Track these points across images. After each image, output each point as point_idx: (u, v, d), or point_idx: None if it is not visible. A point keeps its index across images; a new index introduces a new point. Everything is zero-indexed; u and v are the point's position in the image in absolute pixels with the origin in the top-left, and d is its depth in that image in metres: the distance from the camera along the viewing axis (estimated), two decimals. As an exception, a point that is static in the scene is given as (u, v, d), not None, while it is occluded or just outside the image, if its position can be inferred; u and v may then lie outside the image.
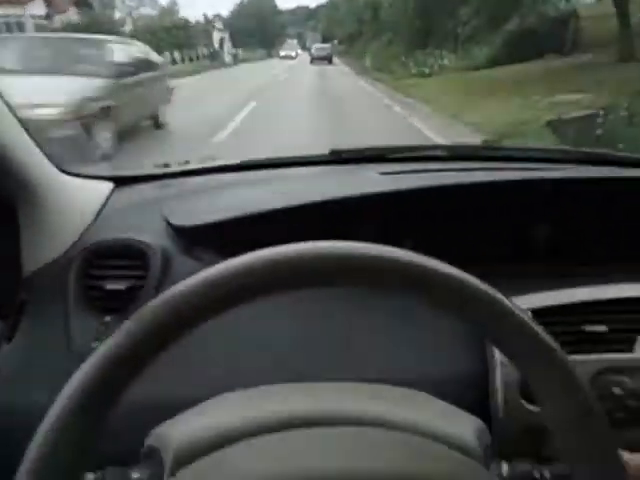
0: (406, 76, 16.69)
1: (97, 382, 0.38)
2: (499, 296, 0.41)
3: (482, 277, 0.42)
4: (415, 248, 0.41)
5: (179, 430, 0.50)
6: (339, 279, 0.39)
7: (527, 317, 0.42)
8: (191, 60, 29.87)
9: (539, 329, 0.41)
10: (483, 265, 0.79)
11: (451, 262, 0.41)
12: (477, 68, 15.07)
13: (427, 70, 17.03)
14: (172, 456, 0.47)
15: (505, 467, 0.54)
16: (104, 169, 1.05)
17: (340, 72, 23.44)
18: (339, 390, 0.58)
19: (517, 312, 0.41)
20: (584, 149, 1.30)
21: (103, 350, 0.39)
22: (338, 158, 1.12)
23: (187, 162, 1.09)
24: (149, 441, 0.51)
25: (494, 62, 14.58)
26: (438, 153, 1.24)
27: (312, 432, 0.45)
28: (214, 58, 31.69)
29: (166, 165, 1.07)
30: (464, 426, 0.54)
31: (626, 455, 0.47)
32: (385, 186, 0.89)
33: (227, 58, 33.78)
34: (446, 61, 17.55)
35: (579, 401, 0.41)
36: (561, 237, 0.93)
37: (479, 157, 1.20)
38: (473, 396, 0.74)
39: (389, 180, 0.96)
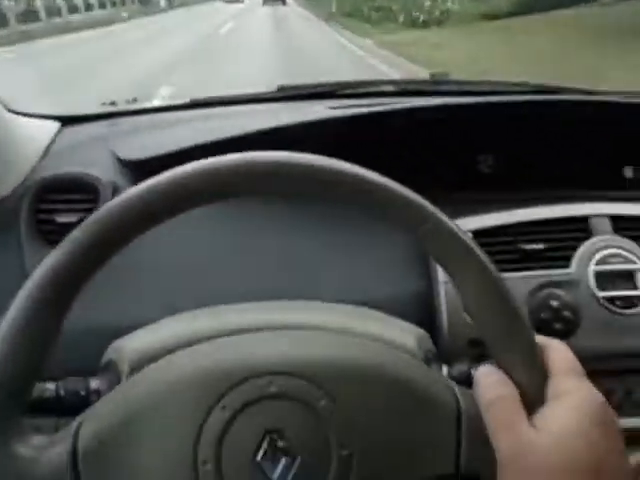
0: (390, 27, 11.83)
1: (46, 289, 0.40)
2: (424, 204, 0.43)
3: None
4: None
5: (134, 343, 0.52)
6: (260, 187, 0.42)
7: (458, 230, 0.44)
8: (114, 4, 24.49)
9: (466, 239, 0.44)
10: (429, 192, 0.82)
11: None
12: (496, 16, 10.78)
13: (422, 17, 11.97)
14: (127, 365, 0.50)
15: (445, 369, 0.57)
16: (50, 107, 1.03)
17: (302, 18, 19.67)
18: (283, 306, 0.60)
19: (447, 223, 0.43)
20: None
21: (50, 259, 0.41)
22: (287, 94, 1.13)
23: (135, 100, 1.08)
24: (107, 355, 0.54)
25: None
26: (389, 88, 1.25)
27: (255, 335, 0.48)
28: (146, 1, 27.70)
29: (112, 103, 1.06)
30: (405, 332, 0.57)
31: None
32: (332, 115, 0.91)
33: (162, 1, 29.86)
34: (453, 3, 11.68)
35: (508, 311, 0.44)
36: (502, 164, 0.96)
37: (431, 92, 1.21)
38: (420, 313, 0.78)
39: (338, 112, 0.97)
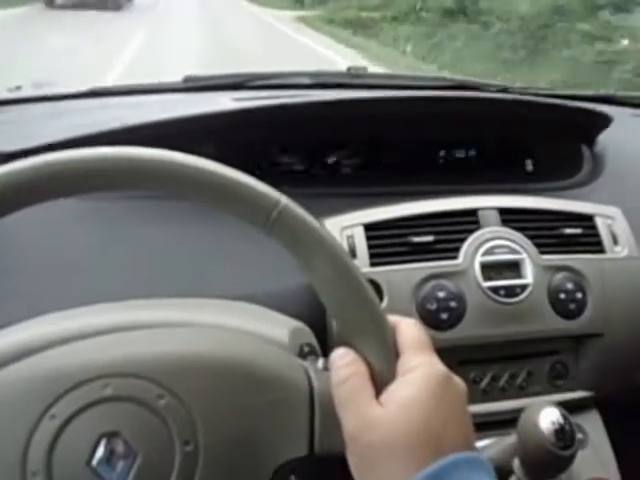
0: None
1: None
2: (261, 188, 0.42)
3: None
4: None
5: None
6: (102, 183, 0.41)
7: (304, 215, 0.43)
8: None
9: (314, 224, 0.43)
10: (296, 186, 0.83)
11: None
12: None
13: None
14: None
15: (321, 361, 0.58)
16: None
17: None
18: (144, 305, 0.59)
19: (294, 209, 0.43)
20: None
21: None
22: (193, 86, 1.10)
23: (19, 88, 1.03)
24: None
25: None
26: (302, 81, 1.24)
27: (97, 338, 0.47)
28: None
29: (18, 88, 1.00)
30: (278, 326, 0.57)
31: None
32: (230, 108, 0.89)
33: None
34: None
35: (359, 295, 0.44)
36: (403, 156, 0.97)
37: (347, 85, 1.21)
38: (311, 309, 0.78)
39: (236, 104, 0.96)
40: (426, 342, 0.46)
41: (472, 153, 1.01)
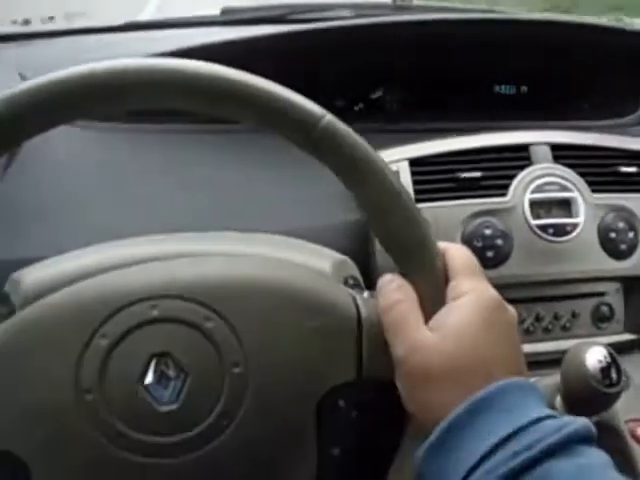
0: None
1: None
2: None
3: None
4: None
5: (29, 276, 0.51)
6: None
7: (354, 136, 0.41)
8: None
9: (364, 145, 0.41)
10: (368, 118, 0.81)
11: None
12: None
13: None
14: (21, 297, 0.48)
15: (366, 293, 0.58)
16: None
17: None
18: (191, 237, 0.59)
19: (342, 129, 0.41)
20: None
21: None
22: (231, 19, 1.08)
23: (51, 18, 1.00)
24: (3, 288, 0.52)
25: None
26: (344, 13, 1.19)
27: (145, 264, 0.47)
28: None
29: (26, 22, 0.98)
30: (322, 257, 0.57)
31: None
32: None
33: None
34: None
35: (408, 219, 0.43)
36: (452, 89, 0.94)
37: (390, 16, 1.16)
38: (355, 244, 0.78)
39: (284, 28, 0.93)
40: (477, 267, 0.45)
41: (524, 89, 0.97)
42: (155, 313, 0.42)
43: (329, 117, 0.41)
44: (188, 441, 0.42)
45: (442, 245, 0.46)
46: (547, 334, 0.82)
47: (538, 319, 0.82)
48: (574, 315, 0.83)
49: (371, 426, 0.57)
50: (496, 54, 0.91)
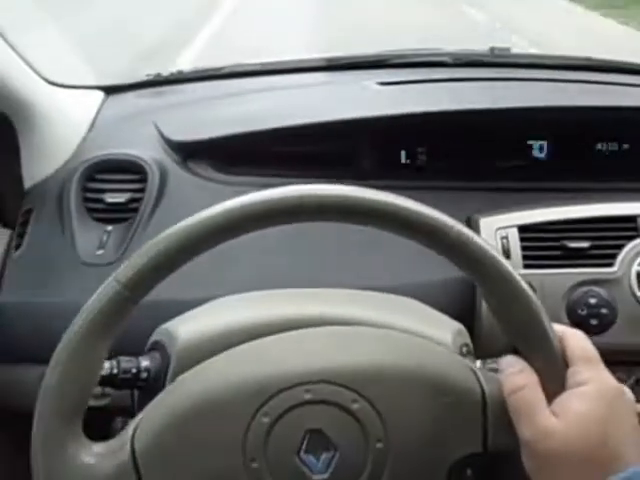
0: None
1: (104, 311, 0.45)
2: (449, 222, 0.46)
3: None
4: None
5: (185, 326, 0.56)
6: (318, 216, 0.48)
7: (480, 241, 0.47)
8: None
9: (487, 247, 0.47)
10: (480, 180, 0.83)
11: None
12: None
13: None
14: (178, 349, 0.54)
15: (478, 363, 0.60)
16: (91, 77, 1.02)
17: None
18: (324, 296, 0.64)
19: (469, 236, 0.46)
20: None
21: (108, 285, 0.45)
22: (334, 64, 1.10)
23: (180, 73, 1.08)
24: (155, 336, 0.57)
25: None
26: (444, 59, 1.20)
27: (292, 336, 0.52)
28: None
29: (158, 75, 1.06)
30: (442, 326, 0.60)
31: None
32: (382, 103, 0.89)
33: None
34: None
35: (528, 308, 0.47)
36: (557, 150, 0.94)
37: (487, 64, 1.17)
38: (461, 304, 0.79)
39: (387, 93, 0.96)
40: (594, 354, 0.47)
41: (625, 147, 0.97)
42: (309, 396, 0.48)
43: (458, 227, 0.47)
44: None
45: (558, 329, 0.48)
46: None
47: (638, 382, 0.82)
48: None
49: None
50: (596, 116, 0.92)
